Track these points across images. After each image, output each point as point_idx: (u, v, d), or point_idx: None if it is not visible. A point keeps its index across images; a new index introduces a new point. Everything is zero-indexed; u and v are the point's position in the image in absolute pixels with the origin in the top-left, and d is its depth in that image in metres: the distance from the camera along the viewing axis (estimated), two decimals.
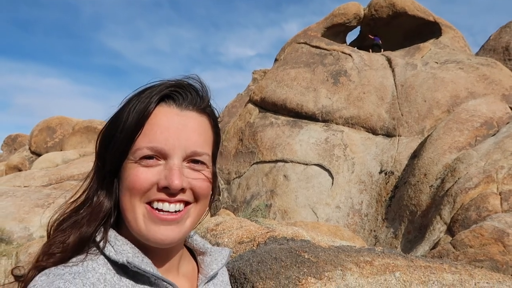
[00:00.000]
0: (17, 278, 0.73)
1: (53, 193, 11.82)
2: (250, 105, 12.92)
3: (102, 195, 0.75)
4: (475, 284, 1.58)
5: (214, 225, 4.09)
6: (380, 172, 10.00)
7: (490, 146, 8.19)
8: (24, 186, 15.25)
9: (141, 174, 0.70)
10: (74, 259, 0.69)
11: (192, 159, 0.74)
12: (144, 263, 0.71)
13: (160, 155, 0.71)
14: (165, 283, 0.73)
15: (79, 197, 0.77)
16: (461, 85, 10.56)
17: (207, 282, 0.86)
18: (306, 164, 10.42)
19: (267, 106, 12.34)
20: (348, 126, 11.25)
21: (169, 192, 0.70)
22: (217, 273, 0.88)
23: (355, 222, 9.63)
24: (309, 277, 1.45)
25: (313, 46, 14.11)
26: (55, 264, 0.68)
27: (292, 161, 10.47)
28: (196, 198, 0.75)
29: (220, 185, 11.08)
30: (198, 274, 0.87)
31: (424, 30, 15.20)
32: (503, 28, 15.87)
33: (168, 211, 0.71)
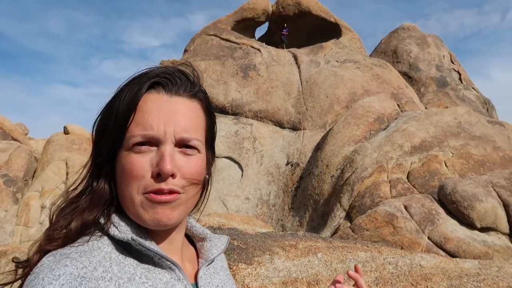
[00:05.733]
0: (18, 264, 0.74)
1: None
2: None
3: (102, 182, 0.78)
4: (384, 259, 1.77)
5: None
6: (287, 163, 10.49)
7: (381, 139, 9.13)
8: None
9: (136, 162, 0.73)
10: (79, 240, 0.73)
11: (183, 144, 0.76)
12: (147, 242, 0.75)
13: (152, 141, 0.74)
14: (169, 263, 0.76)
15: (79, 185, 0.80)
16: (358, 83, 11.55)
17: (207, 265, 0.90)
18: (217, 157, 10.46)
19: None
20: (257, 120, 11.56)
21: (162, 179, 0.73)
22: (215, 259, 0.92)
23: (263, 212, 9.97)
24: (240, 263, 1.48)
25: (223, 39, 14.14)
26: (59, 247, 0.71)
27: None
28: (187, 184, 0.76)
29: None
30: (198, 259, 0.91)
31: (326, 30, 16.27)
32: (392, 33, 17.73)
33: (162, 194, 0.74)
